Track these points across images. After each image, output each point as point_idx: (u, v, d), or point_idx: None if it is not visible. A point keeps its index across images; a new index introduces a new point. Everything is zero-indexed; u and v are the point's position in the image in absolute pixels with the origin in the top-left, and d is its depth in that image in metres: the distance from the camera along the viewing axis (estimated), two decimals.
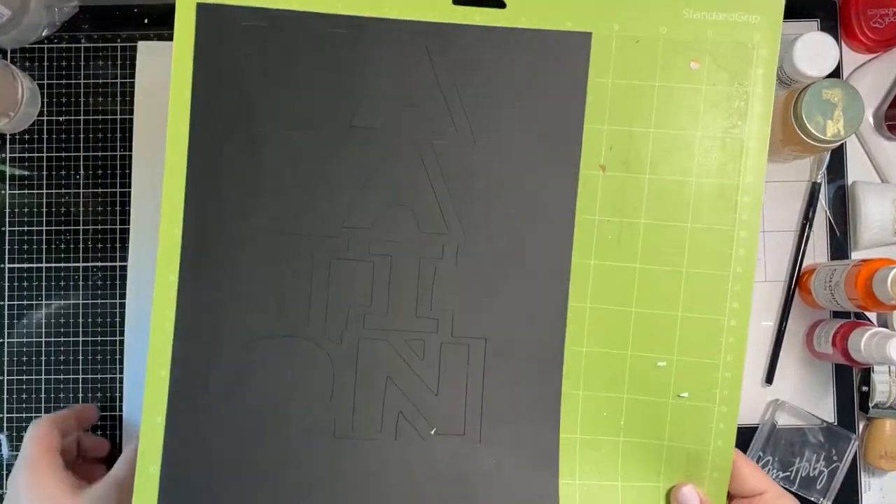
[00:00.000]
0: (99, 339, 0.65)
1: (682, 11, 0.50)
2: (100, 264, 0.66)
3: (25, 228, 0.66)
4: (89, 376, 0.65)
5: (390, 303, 0.51)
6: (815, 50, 0.62)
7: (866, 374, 0.65)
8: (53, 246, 0.66)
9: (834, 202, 0.67)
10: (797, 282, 0.66)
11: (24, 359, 0.65)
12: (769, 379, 0.65)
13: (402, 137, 0.51)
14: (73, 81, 0.67)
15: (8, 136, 0.66)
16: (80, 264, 0.65)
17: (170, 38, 0.67)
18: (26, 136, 0.66)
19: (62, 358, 0.65)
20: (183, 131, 0.50)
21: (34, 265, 0.66)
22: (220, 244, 0.50)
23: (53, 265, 0.66)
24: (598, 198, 0.51)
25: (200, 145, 0.50)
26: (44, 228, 0.66)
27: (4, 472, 0.65)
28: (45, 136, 0.67)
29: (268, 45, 0.50)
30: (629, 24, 0.50)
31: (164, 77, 0.50)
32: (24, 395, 0.65)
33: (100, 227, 0.66)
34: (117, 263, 0.65)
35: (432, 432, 0.52)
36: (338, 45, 0.50)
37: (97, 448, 0.62)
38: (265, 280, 0.51)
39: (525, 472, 0.51)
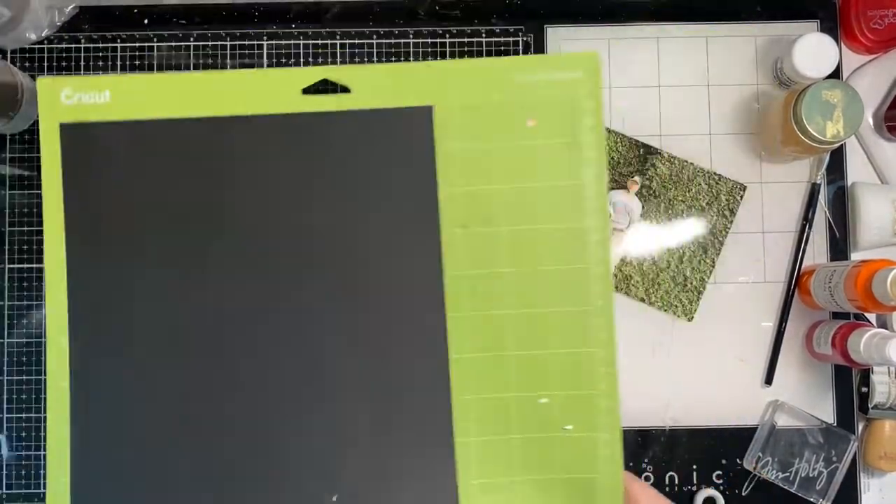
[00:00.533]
0: None
1: (513, 77, 0.54)
2: None
3: (25, 228, 0.66)
4: None
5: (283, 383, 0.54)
6: (815, 51, 0.62)
7: (866, 374, 0.65)
8: None
9: (834, 203, 0.67)
10: (797, 282, 0.66)
11: (24, 359, 0.65)
12: (769, 380, 0.65)
13: (269, 228, 0.54)
14: None
15: (8, 136, 0.66)
16: None
17: (170, 38, 0.67)
18: (26, 136, 0.67)
19: None
20: (59, 254, 0.53)
21: (34, 265, 0.66)
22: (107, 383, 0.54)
23: None
24: (463, 254, 0.54)
25: (79, 267, 0.53)
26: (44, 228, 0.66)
27: (4, 473, 0.65)
28: None
29: (132, 156, 0.53)
30: (466, 95, 0.54)
31: None
32: (23, 396, 0.65)
33: None
34: None
35: (334, 499, 0.54)
36: (199, 146, 0.54)
37: None
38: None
39: None
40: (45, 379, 0.53)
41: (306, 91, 0.55)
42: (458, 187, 0.54)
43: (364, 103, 0.54)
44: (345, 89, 0.55)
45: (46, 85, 0.54)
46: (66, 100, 0.54)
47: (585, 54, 0.55)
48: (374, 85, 0.55)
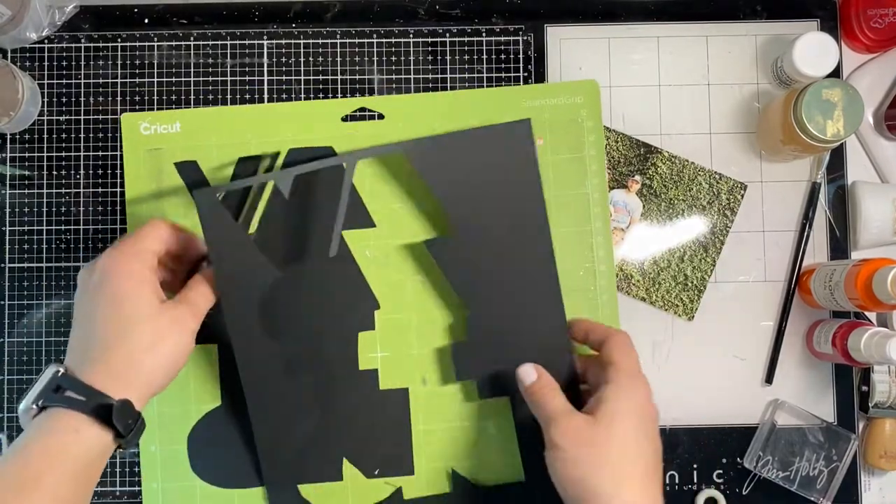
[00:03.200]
0: None
1: (523, 102, 0.63)
2: None
3: (25, 228, 0.66)
4: None
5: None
6: (815, 50, 0.62)
7: (866, 373, 0.65)
8: (53, 246, 0.66)
9: (834, 202, 0.67)
10: (797, 282, 0.66)
11: (24, 359, 0.65)
12: (769, 379, 0.65)
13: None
14: (73, 81, 0.67)
15: (8, 136, 0.66)
16: (81, 264, 0.65)
17: (170, 38, 0.67)
18: (26, 136, 0.67)
19: (62, 357, 0.65)
20: None
21: (34, 265, 0.66)
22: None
23: (53, 265, 0.66)
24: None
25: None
26: (44, 228, 0.66)
27: None
28: (45, 136, 0.67)
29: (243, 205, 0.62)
30: (484, 118, 0.62)
31: None
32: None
33: (100, 227, 0.66)
34: None
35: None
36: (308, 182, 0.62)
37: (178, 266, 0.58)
38: None
39: None
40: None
41: (345, 119, 0.64)
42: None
43: (395, 128, 0.63)
44: (380, 116, 0.64)
45: (129, 119, 0.63)
46: (145, 131, 0.63)
47: (586, 82, 0.64)
48: (405, 112, 0.64)
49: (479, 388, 0.60)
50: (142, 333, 0.50)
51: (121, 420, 0.48)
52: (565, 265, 0.61)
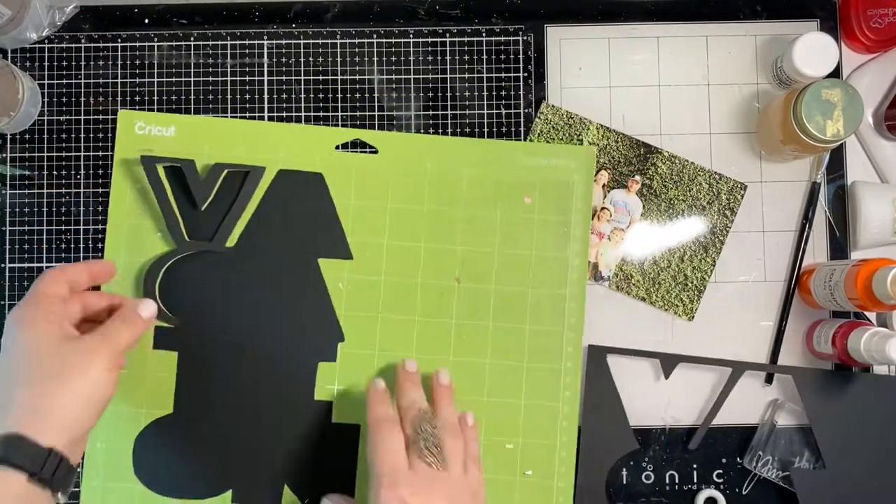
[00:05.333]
0: None
1: (519, 158, 0.64)
2: None
3: (25, 228, 0.66)
4: None
5: None
6: (815, 50, 0.62)
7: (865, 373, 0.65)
8: (53, 246, 0.66)
9: (833, 202, 0.67)
10: (797, 282, 0.66)
11: None
12: (769, 379, 0.65)
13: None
14: (73, 81, 0.67)
15: (8, 136, 0.66)
16: None
17: (170, 38, 0.67)
18: (26, 136, 0.66)
19: None
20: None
21: (34, 265, 0.66)
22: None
23: (53, 265, 0.66)
24: (455, 305, 0.63)
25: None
26: (44, 228, 0.66)
27: None
28: (45, 136, 0.67)
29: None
30: (477, 166, 0.64)
31: None
32: None
33: (100, 227, 0.66)
34: None
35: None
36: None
37: (99, 305, 0.58)
38: None
39: None
40: None
41: (339, 147, 0.65)
42: (457, 245, 0.64)
43: (386, 164, 0.64)
44: (373, 150, 0.65)
45: (126, 116, 0.64)
46: (139, 130, 0.64)
47: (584, 148, 0.65)
48: (399, 150, 0.64)
49: None
50: (45, 369, 0.49)
51: (17, 455, 0.46)
52: (535, 325, 0.63)
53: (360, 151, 0.65)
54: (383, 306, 0.63)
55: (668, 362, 0.64)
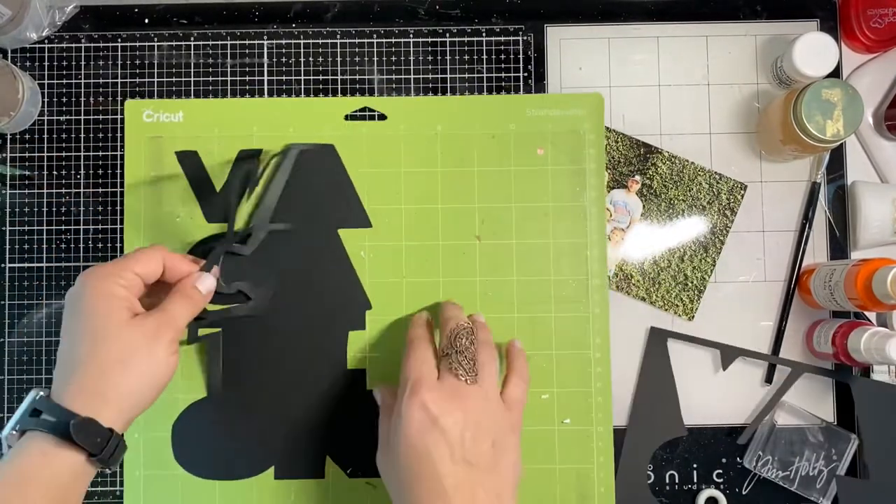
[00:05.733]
0: None
1: (526, 111, 0.64)
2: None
3: (25, 228, 0.66)
4: None
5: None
6: (815, 50, 0.62)
7: (866, 373, 0.65)
8: (53, 246, 0.66)
9: (833, 202, 0.67)
10: (797, 282, 0.66)
11: (25, 358, 0.65)
12: (769, 379, 0.65)
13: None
14: (73, 81, 0.67)
15: (8, 136, 0.66)
16: (80, 264, 0.65)
17: (170, 38, 0.67)
18: (26, 136, 0.66)
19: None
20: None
21: (34, 265, 0.66)
22: None
23: (53, 265, 0.66)
24: (477, 263, 0.64)
25: None
26: (44, 228, 0.66)
27: None
28: (45, 136, 0.67)
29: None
30: (486, 124, 0.64)
31: None
32: (24, 395, 0.64)
33: (100, 227, 0.66)
34: None
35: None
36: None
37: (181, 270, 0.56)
38: None
39: None
40: None
41: (348, 118, 0.64)
42: (475, 203, 0.64)
43: (398, 130, 0.64)
44: (382, 116, 0.65)
45: (133, 106, 0.64)
46: (147, 118, 0.64)
47: (591, 95, 0.65)
48: (407, 114, 0.64)
49: None
50: (110, 348, 0.49)
51: (85, 438, 0.47)
52: (558, 276, 0.63)
53: (369, 119, 0.65)
54: (407, 270, 0.63)
55: (728, 354, 0.65)
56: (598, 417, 0.63)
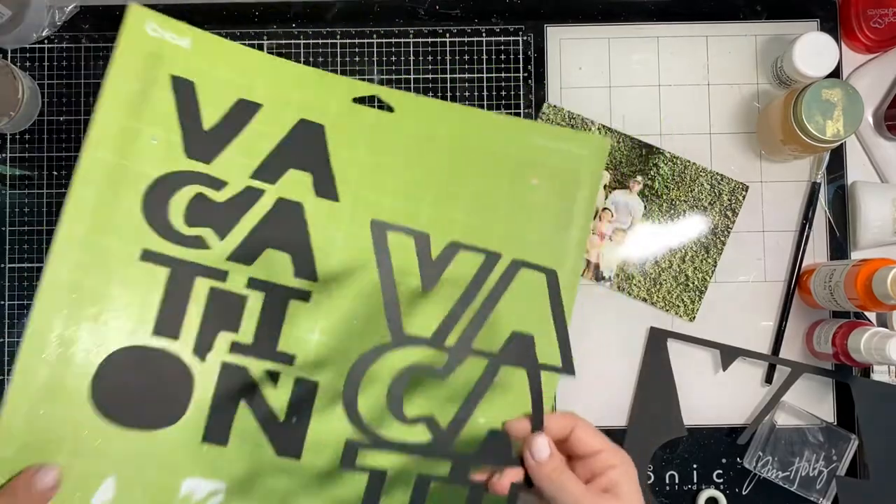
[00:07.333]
0: None
1: (533, 137, 0.63)
2: None
3: (25, 228, 0.66)
4: None
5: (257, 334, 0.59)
6: (815, 50, 0.62)
7: (866, 373, 0.65)
8: None
9: (834, 202, 0.67)
10: (797, 282, 0.66)
11: None
12: (769, 379, 0.65)
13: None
14: (73, 81, 0.67)
15: (8, 136, 0.66)
16: None
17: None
18: (26, 136, 0.66)
19: None
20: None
21: (34, 265, 0.66)
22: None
23: None
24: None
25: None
26: (44, 228, 0.66)
27: None
28: (45, 136, 0.66)
29: None
30: (491, 141, 0.62)
31: None
32: None
33: None
34: None
35: (273, 454, 0.57)
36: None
37: None
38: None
39: None
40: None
41: (356, 100, 0.62)
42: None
43: (403, 123, 0.62)
44: (389, 109, 0.63)
45: (136, 11, 0.58)
46: (152, 32, 0.58)
47: (598, 138, 0.64)
48: (415, 112, 0.63)
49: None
50: None
51: None
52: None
53: (378, 108, 0.63)
54: None
55: (728, 354, 0.65)
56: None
